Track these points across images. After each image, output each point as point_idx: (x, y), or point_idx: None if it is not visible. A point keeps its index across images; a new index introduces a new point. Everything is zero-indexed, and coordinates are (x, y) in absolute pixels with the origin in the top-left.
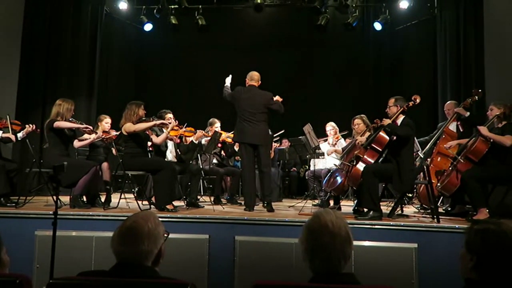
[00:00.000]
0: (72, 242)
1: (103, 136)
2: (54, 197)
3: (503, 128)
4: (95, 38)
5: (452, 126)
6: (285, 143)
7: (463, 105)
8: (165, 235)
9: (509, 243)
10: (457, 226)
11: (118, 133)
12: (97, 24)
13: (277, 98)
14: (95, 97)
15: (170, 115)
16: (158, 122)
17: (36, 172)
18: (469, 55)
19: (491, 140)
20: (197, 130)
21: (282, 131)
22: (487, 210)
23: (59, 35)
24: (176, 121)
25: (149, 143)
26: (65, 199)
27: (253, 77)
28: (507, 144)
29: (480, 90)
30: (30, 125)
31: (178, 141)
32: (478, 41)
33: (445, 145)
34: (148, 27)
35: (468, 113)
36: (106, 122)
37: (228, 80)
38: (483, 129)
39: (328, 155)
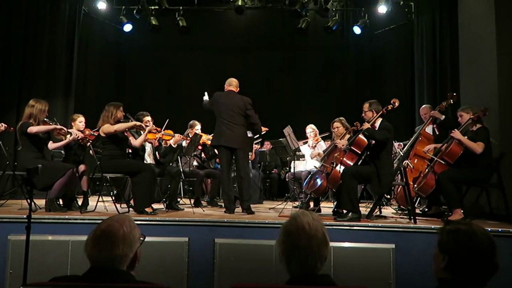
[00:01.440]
0: (47, 247)
1: (78, 137)
2: (28, 201)
3: (477, 132)
4: (73, 38)
5: (429, 129)
6: (267, 145)
7: (439, 108)
8: (141, 238)
9: (479, 243)
10: (433, 226)
11: (94, 132)
12: (74, 24)
13: (264, 129)
14: (72, 97)
15: (148, 118)
16: (138, 123)
17: (10, 175)
18: (445, 59)
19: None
20: (176, 134)
21: (263, 132)
22: (462, 211)
23: (35, 34)
24: (154, 126)
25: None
26: (41, 202)
27: (232, 83)
28: (478, 152)
29: (455, 94)
30: (2, 124)
31: (157, 144)
32: (453, 45)
33: (423, 149)
34: (127, 27)
35: (444, 116)
36: (79, 121)
37: (205, 97)
38: (456, 133)
39: (311, 159)
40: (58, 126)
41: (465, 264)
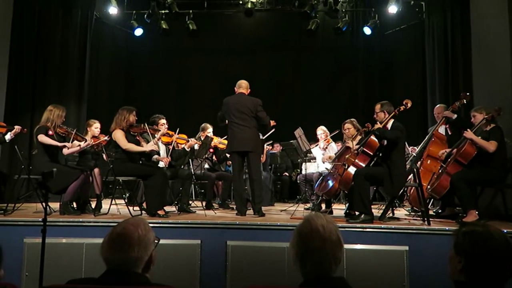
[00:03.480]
0: (62, 249)
1: (92, 142)
2: (43, 204)
3: (490, 132)
4: (85, 42)
5: (442, 129)
6: (277, 147)
7: (452, 108)
8: (156, 241)
9: (496, 245)
10: (447, 228)
11: (108, 138)
12: (86, 29)
13: (272, 122)
14: (85, 102)
15: (163, 121)
16: (149, 148)
17: (25, 178)
18: (457, 59)
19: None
20: (190, 139)
21: (273, 130)
22: (477, 212)
23: (48, 39)
24: (167, 130)
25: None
26: (55, 205)
27: (242, 85)
28: (490, 150)
29: (468, 93)
30: (17, 126)
31: (168, 161)
32: (465, 44)
33: (438, 153)
34: (138, 31)
35: (456, 116)
36: (95, 127)
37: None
38: (468, 133)
39: (323, 163)
40: (60, 144)
41: (482, 266)
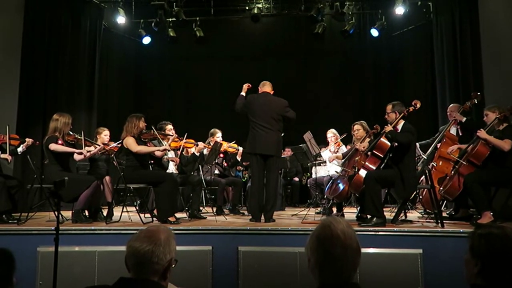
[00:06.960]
0: (74, 258)
1: (103, 148)
2: (56, 213)
3: (503, 131)
4: (94, 52)
5: (453, 130)
6: (288, 152)
7: (463, 109)
8: (175, 260)
9: None
10: (461, 230)
11: (118, 144)
12: (95, 39)
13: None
14: (95, 110)
15: (170, 126)
16: (162, 148)
17: (38, 188)
18: (467, 58)
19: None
20: (198, 142)
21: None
22: (491, 213)
23: (58, 49)
24: (177, 136)
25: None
26: (67, 214)
27: (265, 83)
28: (506, 149)
29: (479, 93)
30: (29, 138)
31: (178, 161)
32: (475, 44)
33: (447, 151)
34: (146, 40)
35: (465, 119)
36: (105, 134)
37: (242, 93)
38: (482, 133)
39: (329, 162)
40: (77, 150)
41: (499, 269)
